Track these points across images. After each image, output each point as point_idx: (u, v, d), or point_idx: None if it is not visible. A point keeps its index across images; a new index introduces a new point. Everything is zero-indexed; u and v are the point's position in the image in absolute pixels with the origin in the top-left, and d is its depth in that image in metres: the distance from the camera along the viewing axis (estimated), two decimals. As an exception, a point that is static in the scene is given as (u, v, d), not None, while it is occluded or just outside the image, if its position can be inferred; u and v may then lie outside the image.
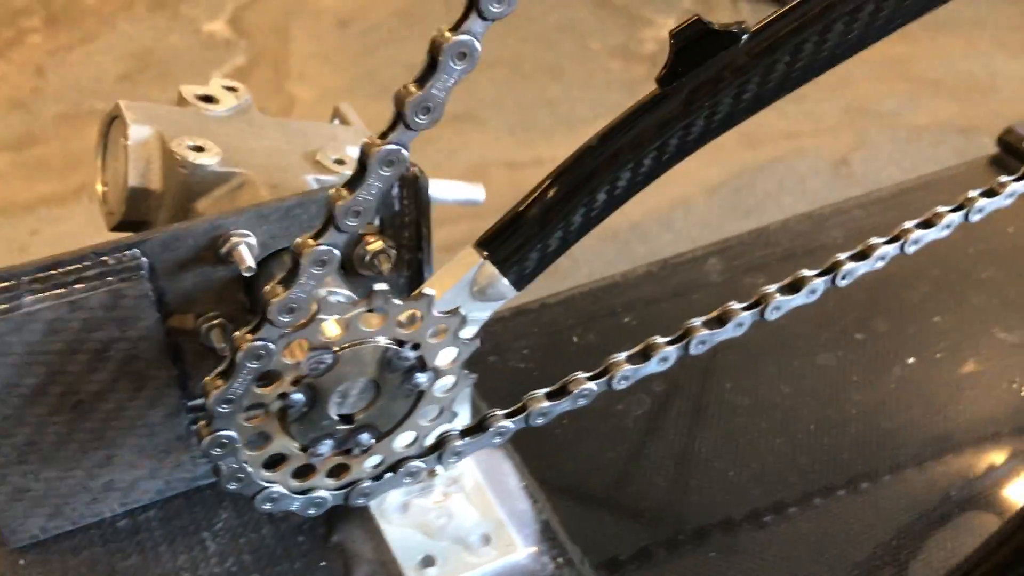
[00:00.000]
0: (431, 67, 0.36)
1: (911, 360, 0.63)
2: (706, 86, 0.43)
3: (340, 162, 0.53)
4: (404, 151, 0.37)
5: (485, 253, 0.46)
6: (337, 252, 0.38)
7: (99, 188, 0.53)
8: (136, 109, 0.50)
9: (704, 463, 0.57)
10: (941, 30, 2.55)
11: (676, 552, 0.54)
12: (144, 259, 0.44)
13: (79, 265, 0.43)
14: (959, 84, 2.38)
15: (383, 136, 0.37)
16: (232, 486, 0.43)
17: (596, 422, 0.59)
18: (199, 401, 0.50)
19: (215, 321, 0.47)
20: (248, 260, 0.45)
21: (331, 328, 0.41)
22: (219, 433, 0.41)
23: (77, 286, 0.43)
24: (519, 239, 0.46)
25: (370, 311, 0.41)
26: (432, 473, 0.51)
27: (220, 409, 0.40)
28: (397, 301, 0.41)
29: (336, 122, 0.60)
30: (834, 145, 2.42)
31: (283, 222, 0.46)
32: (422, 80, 0.36)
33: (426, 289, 0.42)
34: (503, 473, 0.53)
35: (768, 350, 0.63)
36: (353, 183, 0.37)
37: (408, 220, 0.50)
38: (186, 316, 0.48)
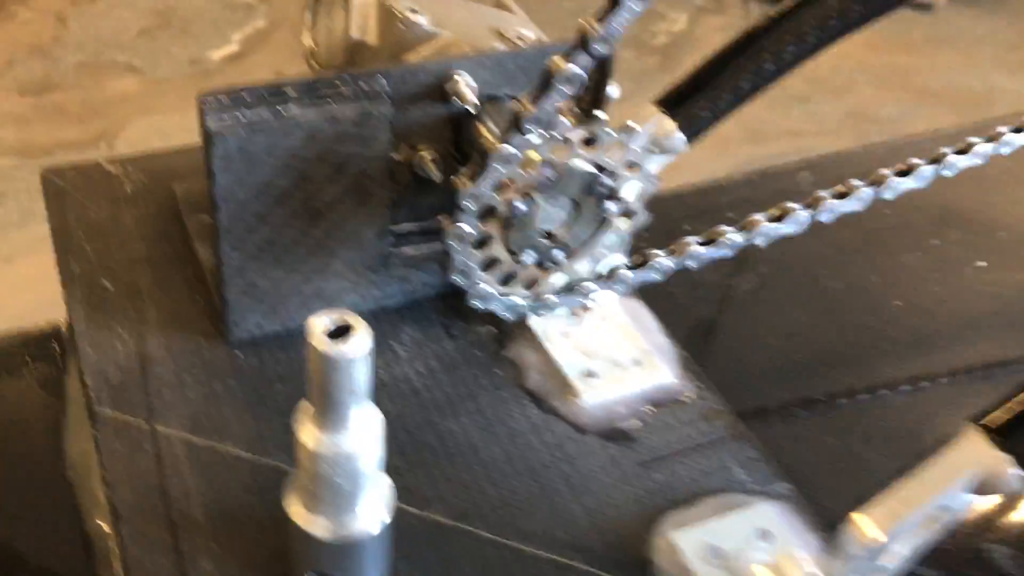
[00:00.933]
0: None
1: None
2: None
3: (520, 39, 0.60)
4: (650, -10, 0.45)
5: (663, 109, 0.54)
6: (583, 74, 0.46)
7: (307, 43, 0.61)
8: (354, -26, 0.58)
9: (807, 331, 0.66)
10: (943, 44, 2.69)
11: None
12: (387, 86, 0.51)
13: (337, 84, 0.50)
14: (958, 96, 2.52)
15: (633, -24, 0.45)
16: (458, 277, 0.51)
17: (712, 291, 0.68)
18: (402, 226, 0.58)
19: (429, 154, 0.55)
20: (471, 97, 0.52)
21: (559, 146, 0.49)
22: (460, 225, 0.49)
23: (334, 103, 0.50)
24: (693, 99, 0.54)
25: (588, 138, 0.49)
26: (586, 308, 0.59)
27: (466, 203, 0.48)
28: (609, 130, 0.49)
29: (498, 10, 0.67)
30: (835, 145, 2.54)
31: (495, 71, 0.54)
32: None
33: (631, 123, 0.50)
34: (643, 316, 0.61)
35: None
36: (605, 15, 0.45)
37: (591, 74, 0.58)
38: (403, 146, 0.55)
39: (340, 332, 0.38)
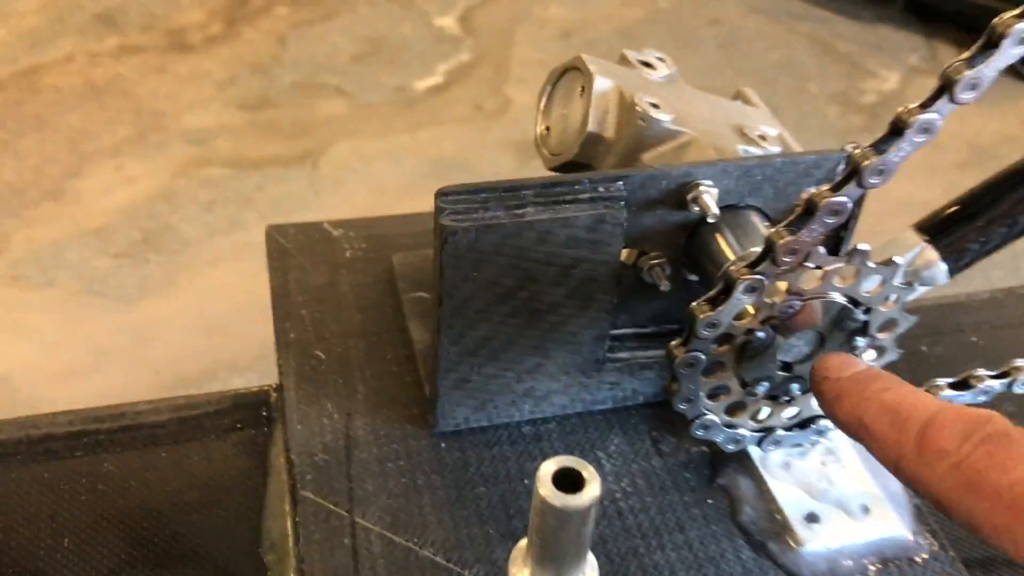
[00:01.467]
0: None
1: None
2: None
3: (762, 138, 0.56)
4: (940, 122, 0.40)
5: (927, 238, 0.49)
6: (851, 205, 0.42)
7: (539, 130, 0.59)
8: (597, 63, 0.56)
9: None
10: None
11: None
12: (625, 191, 0.49)
13: (575, 187, 0.48)
14: None
15: (923, 106, 0.40)
16: (682, 406, 0.48)
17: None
18: (620, 331, 0.55)
19: (657, 260, 0.52)
20: (713, 207, 0.49)
21: (811, 277, 0.44)
22: (693, 353, 0.45)
23: (570, 205, 0.48)
24: (962, 229, 0.49)
25: (845, 267, 0.45)
26: (818, 442, 0.54)
27: (703, 332, 0.44)
28: (871, 263, 0.45)
29: (739, 102, 0.64)
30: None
31: (740, 180, 0.50)
32: (970, 60, 0.39)
33: (896, 258, 0.45)
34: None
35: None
36: (881, 144, 0.41)
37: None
38: (632, 251, 0.52)
39: (570, 479, 0.35)
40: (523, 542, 0.38)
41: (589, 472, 0.35)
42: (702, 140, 0.54)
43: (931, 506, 0.37)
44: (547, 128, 0.59)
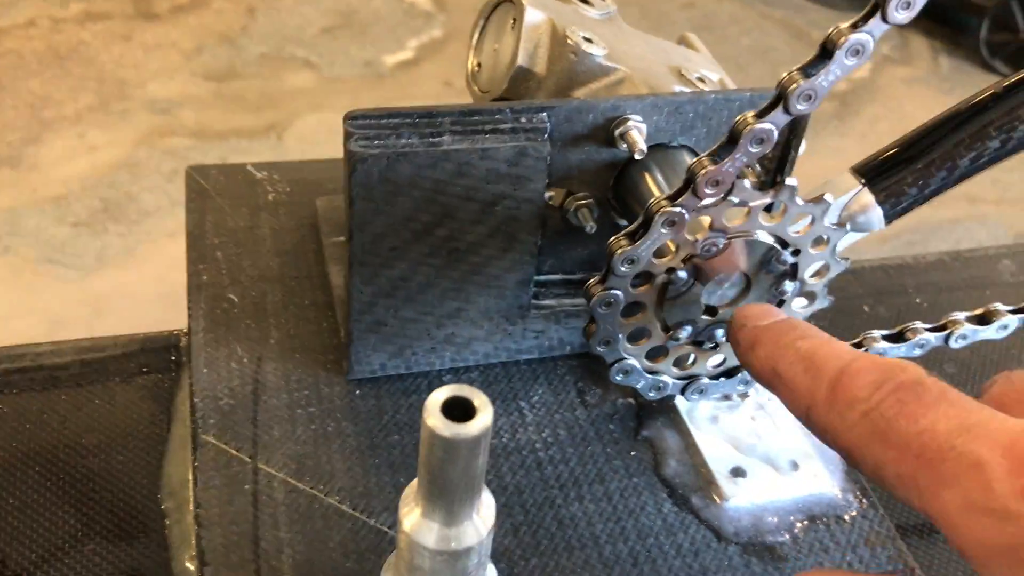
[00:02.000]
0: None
1: None
2: None
3: (701, 80, 0.54)
4: (872, 43, 0.38)
5: (863, 180, 0.47)
6: (776, 134, 0.39)
7: (470, 65, 0.56)
8: (530, -4, 0.53)
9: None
10: None
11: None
12: (549, 124, 0.46)
13: (495, 117, 0.46)
14: None
15: (854, 26, 0.38)
16: (600, 348, 0.45)
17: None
18: (546, 276, 0.53)
19: (584, 200, 0.50)
20: (641, 144, 0.46)
21: (735, 213, 0.42)
22: (611, 291, 0.43)
23: (490, 136, 0.45)
24: (901, 172, 0.47)
25: (770, 205, 0.42)
26: (746, 395, 0.52)
27: (621, 268, 0.42)
28: (799, 200, 0.42)
29: (682, 46, 0.61)
30: (1018, 218, 2.34)
31: (670, 117, 0.48)
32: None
33: (828, 196, 0.43)
34: (808, 409, 0.53)
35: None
36: (810, 68, 0.39)
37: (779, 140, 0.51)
38: (558, 191, 0.50)
39: (461, 409, 0.32)
40: (415, 482, 0.36)
41: (481, 400, 0.33)
42: (636, 78, 0.51)
43: (840, 456, 0.35)
44: (479, 64, 0.56)
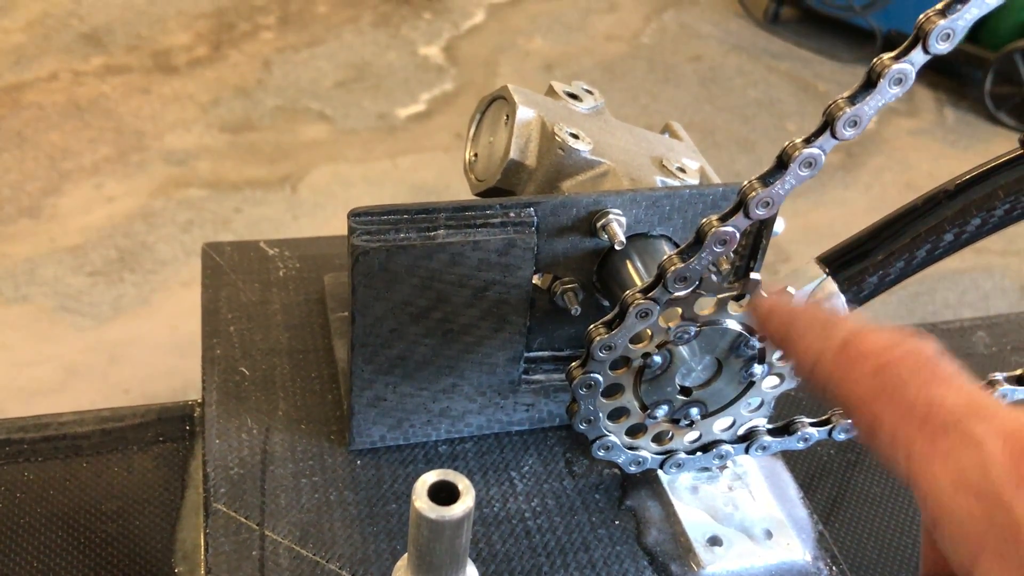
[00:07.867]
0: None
1: None
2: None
3: (681, 170, 0.58)
4: (823, 156, 0.42)
5: (827, 269, 0.50)
6: (738, 235, 0.43)
7: (467, 156, 0.61)
8: (522, 93, 0.57)
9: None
10: None
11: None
12: (536, 218, 0.50)
13: (486, 212, 0.50)
14: None
15: (806, 141, 0.42)
16: (582, 426, 0.49)
17: (865, 454, 0.62)
18: (536, 353, 0.56)
19: (570, 285, 0.53)
20: (620, 235, 0.50)
21: (705, 303, 0.46)
22: (591, 374, 0.46)
23: (481, 229, 0.49)
24: (862, 263, 0.50)
25: (739, 296, 0.46)
26: (724, 467, 0.56)
27: (599, 354, 0.46)
28: (764, 293, 0.46)
29: (666, 135, 0.65)
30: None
31: (649, 210, 0.52)
32: (852, 98, 0.41)
33: (790, 288, 0.47)
34: (783, 482, 0.57)
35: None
36: (768, 177, 0.43)
37: (750, 229, 0.55)
38: (546, 276, 0.54)
39: (447, 492, 0.36)
40: (406, 555, 0.39)
41: (464, 484, 0.36)
42: (619, 170, 0.56)
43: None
44: (475, 154, 0.60)
